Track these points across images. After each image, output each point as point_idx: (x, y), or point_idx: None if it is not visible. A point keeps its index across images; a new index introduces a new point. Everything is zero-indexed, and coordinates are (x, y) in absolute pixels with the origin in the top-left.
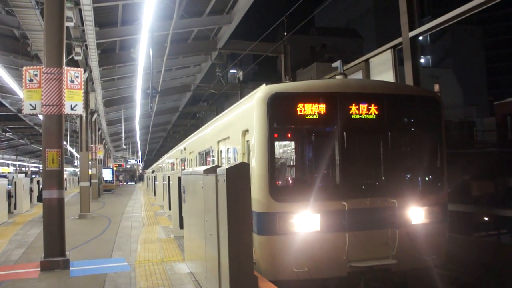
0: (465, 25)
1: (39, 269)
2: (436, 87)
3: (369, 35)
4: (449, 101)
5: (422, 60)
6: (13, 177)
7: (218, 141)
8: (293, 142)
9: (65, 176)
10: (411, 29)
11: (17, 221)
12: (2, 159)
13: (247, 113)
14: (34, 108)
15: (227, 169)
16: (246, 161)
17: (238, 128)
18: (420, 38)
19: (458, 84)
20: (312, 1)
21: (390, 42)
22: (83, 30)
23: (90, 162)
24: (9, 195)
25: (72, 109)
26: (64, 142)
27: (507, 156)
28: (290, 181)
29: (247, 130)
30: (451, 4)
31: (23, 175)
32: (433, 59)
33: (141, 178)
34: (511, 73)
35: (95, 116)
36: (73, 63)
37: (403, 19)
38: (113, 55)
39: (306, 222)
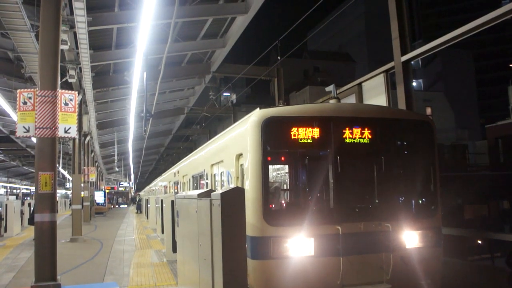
0: (456, 49)
1: None
2: (428, 111)
3: (361, 59)
4: (441, 125)
5: (414, 84)
6: (7, 199)
7: (212, 165)
8: (287, 166)
9: (57, 198)
10: (403, 53)
11: (8, 244)
12: None
13: (241, 137)
14: (28, 131)
15: (222, 194)
16: (240, 184)
17: (232, 151)
18: (412, 62)
19: (450, 108)
20: (305, 25)
21: (383, 66)
22: (78, 53)
23: (82, 185)
24: (0, 218)
25: (65, 132)
26: (57, 165)
27: (499, 179)
28: (284, 205)
29: (241, 154)
30: (442, 28)
31: (14, 197)
32: (424, 83)
33: (133, 200)
34: (502, 96)
35: (88, 138)
36: (67, 86)
37: (395, 44)
38: (107, 78)
39: (300, 247)
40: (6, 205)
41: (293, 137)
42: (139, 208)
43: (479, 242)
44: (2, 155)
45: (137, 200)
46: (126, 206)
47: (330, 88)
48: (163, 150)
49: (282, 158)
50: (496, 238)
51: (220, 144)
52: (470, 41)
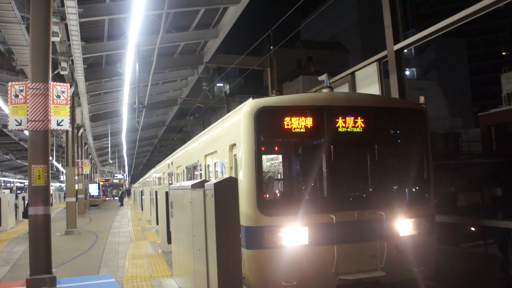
0: (449, 37)
1: (25, 287)
2: (421, 99)
3: (354, 48)
4: (434, 113)
5: (407, 73)
6: (3, 193)
7: (206, 155)
8: (280, 156)
9: (51, 191)
10: (396, 42)
11: (2, 238)
12: None
13: (234, 127)
14: (20, 124)
15: (215, 184)
16: (233, 175)
17: (226, 142)
18: (405, 50)
19: (443, 96)
20: (297, 15)
21: (376, 55)
22: (69, 45)
23: (76, 177)
24: None
25: (58, 124)
26: (50, 157)
27: (492, 167)
28: (278, 195)
29: (234, 144)
30: (434, 17)
31: (8, 191)
32: (417, 72)
33: (128, 192)
34: (494, 85)
35: (81, 130)
36: (59, 78)
37: (387, 32)
38: (100, 70)
39: (294, 236)
40: (0, 198)
41: (286, 127)
42: (121, 201)
43: (472, 229)
44: None
45: (120, 192)
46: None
47: (323, 77)
48: (157, 142)
49: (276, 148)
50: (489, 225)
51: (214, 135)
52: (463, 30)
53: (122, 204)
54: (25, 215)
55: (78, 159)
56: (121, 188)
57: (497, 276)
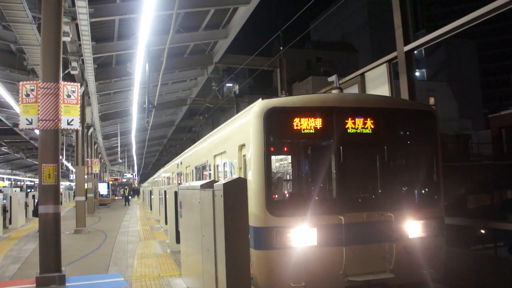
0: (460, 38)
1: (35, 285)
2: (431, 101)
3: (364, 49)
4: (444, 114)
5: (417, 74)
6: (14, 191)
7: (215, 155)
8: (289, 156)
9: (60, 190)
10: (406, 43)
11: (12, 236)
12: None
13: (243, 128)
14: (31, 123)
15: (224, 185)
16: (242, 175)
17: (235, 142)
18: (415, 52)
19: (453, 97)
20: (307, 15)
21: (385, 56)
22: (80, 45)
23: (86, 177)
24: (4, 210)
25: (68, 123)
26: (60, 156)
27: (503, 169)
28: (287, 195)
29: (243, 145)
30: (445, 18)
31: (18, 189)
32: (428, 73)
33: (136, 192)
34: (505, 86)
35: (91, 130)
36: (70, 78)
37: (398, 33)
38: (110, 69)
39: (303, 237)
40: (11, 197)
41: (295, 128)
42: (127, 201)
43: (482, 231)
44: (6, 147)
45: (126, 190)
46: (130, 197)
47: (333, 78)
48: (166, 141)
49: (285, 149)
50: (499, 228)
51: (223, 135)
52: (474, 31)
53: (125, 204)
54: (35, 213)
55: (87, 158)
56: (126, 187)
57: (507, 279)
